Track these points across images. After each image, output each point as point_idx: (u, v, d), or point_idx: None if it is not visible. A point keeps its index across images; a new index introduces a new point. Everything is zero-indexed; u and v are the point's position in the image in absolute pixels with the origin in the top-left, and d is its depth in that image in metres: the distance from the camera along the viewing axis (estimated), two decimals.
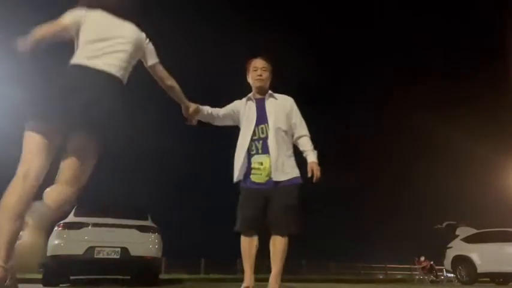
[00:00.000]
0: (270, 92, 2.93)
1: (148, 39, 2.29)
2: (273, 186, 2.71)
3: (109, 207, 6.58)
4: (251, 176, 2.76)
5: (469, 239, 10.36)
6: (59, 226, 5.64)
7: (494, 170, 22.92)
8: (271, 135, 2.76)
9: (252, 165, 2.77)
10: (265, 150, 2.75)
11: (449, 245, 10.81)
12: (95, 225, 5.68)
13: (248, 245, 2.77)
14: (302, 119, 2.94)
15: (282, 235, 2.70)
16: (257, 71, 2.90)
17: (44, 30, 2.05)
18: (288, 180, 2.73)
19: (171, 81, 2.44)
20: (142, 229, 5.87)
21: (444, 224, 11.37)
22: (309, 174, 2.77)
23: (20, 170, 1.79)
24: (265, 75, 2.91)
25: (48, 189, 1.81)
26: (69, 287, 6.22)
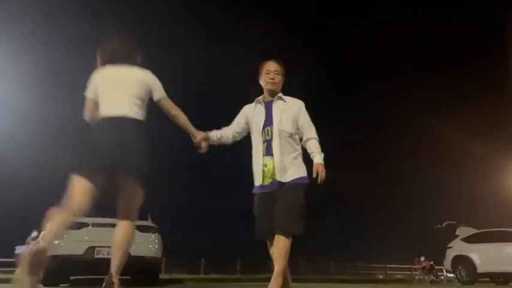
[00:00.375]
0: (279, 94, 2.91)
1: (154, 76, 2.68)
2: (278, 187, 2.71)
3: (109, 207, 6.58)
4: (263, 179, 2.78)
5: (469, 239, 10.36)
6: None
7: (494, 170, 22.93)
8: (275, 137, 2.77)
9: (263, 168, 2.79)
10: (269, 152, 2.77)
11: (449, 245, 10.81)
12: (95, 225, 5.68)
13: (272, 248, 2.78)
14: (310, 122, 2.93)
15: (285, 235, 2.67)
16: (270, 74, 2.88)
17: (88, 113, 2.64)
18: (293, 180, 2.73)
19: (175, 111, 2.71)
20: (142, 229, 5.86)
21: (444, 224, 11.37)
22: (314, 175, 2.76)
23: (66, 203, 2.36)
24: (278, 78, 2.90)
25: (116, 231, 2.75)
26: (69, 287, 6.23)
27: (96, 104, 2.60)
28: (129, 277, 6.97)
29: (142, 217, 6.25)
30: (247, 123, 2.97)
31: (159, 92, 2.68)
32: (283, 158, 2.74)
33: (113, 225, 5.74)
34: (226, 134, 2.99)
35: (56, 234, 2.33)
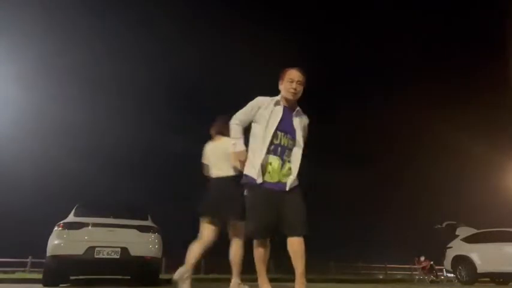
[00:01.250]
0: (299, 108, 2.99)
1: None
2: (284, 190, 2.75)
3: (109, 207, 6.58)
4: (266, 176, 2.77)
5: (469, 239, 10.35)
6: (59, 226, 5.63)
7: (495, 170, 22.92)
8: (297, 147, 2.91)
9: (267, 165, 2.79)
10: (281, 154, 2.83)
11: (449, 245, 10.81)
12: (95, 225, 5.68)
13: (265, 251, 2.81)
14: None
15: (300, 236, 2.71)
16: (293, 83, 2.90)
17: (205, 173, 3.95)
18: (298, 185, 2.84)
19: None
20: (142, 229, 5.86)
21: (444, 224, 11.36)
22: None
23: (201, 237, 3.69)
24: (299, 89, 2.93)
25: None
26: (69, 287, 6.22)
27: (207, 167, 3.86)
28: (129, 277, 6.98)
29: (142, 217, 6.25)
30: (255, 115, 2.94)
31: None
32: (295, 168, 2.86)
33: (113, 225, 5.79)
34: (242, 130, 3.03)
35: (195, 259, 3.67)
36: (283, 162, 2.82)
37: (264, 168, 2.77)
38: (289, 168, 2.83)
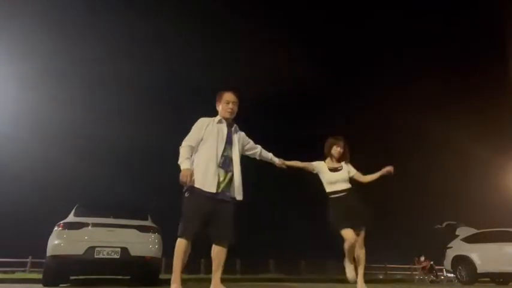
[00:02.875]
0: (235, 125, 3.40)
1: None
2: (224, 199, 3.09)
3: (109, 207, 6.58)
4: (213, 186, 3.09)
5: (469, 239, 10.35)
6: (59, 226, 5.64)
7: (494, 170, 22.92)
8: (235, 160, 3.25)
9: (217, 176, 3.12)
10: (225, 166, 3.17)
11: (449, 245, 10.80)
12: (95, 225, 5.68)
13: (187, 249, 3.05)
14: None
15: (228, 245, 3.10)
16: (229, 104, 3.31)
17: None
18: (235, 198, 3.19)
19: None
20: (142, 229, 5.87)
21: (444, 224, 11.36)
22: (282, 166, 3.84)
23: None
24: (235, 109, 3.34)
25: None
26: (69, 287, 6.23)
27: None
28: (129, 277, 6.98)
29: (142, 217, 6.25)
30: (204, 133, 3.24)
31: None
32: (238, 178, 3.21)
33: (113, 225, 5.79)
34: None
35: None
36: (228, 174, 3.17)
37: (214, 179, 3.07)
38: (231, 179, 3.17)
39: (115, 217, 6.00)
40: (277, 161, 3.74)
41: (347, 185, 4.06)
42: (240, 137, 3.42)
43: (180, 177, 3.04)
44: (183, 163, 3.10)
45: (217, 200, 3.07)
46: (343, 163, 4.12)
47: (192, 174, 3.05)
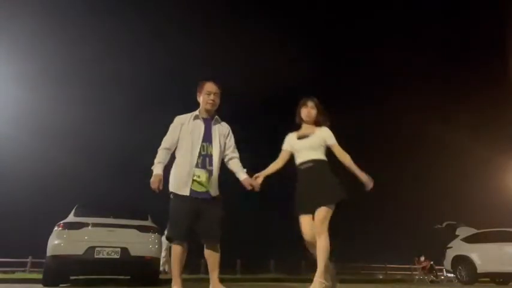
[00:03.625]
0: (217, 117, 3.21)
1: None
2: (207, 198, 3.02)
3: (109, 207, 6.58)
4: (192, 186, 3.01)
5: (469, 239, 10.35)
6: (59, 226, 5.64)
7: (494, 170, 22.91)
8: (215, 156, 3.09)
9: (193, 177, 3.02)
10: (204, 165, 3.04)
11: (449, 245, 10.80)
12: (95, 225, 5.68)
13: (183, 252, 3.02)
14: (235, 144, 3.31)
15: (217, 243, 3.06)
16: (210, 95, 3.14)
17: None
18: (218, 195, 3.12)
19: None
20: (142, 229, 5.86)
21: (444, 224, 11.36)
22: (249, 188, 3.13)
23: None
24: (217, 100, 3.19)
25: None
26: (69, 287, 6.22)
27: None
28: (129, 277, 6.98)
29: (142, 217, 6.25)
30: (179, 133, 3.15)
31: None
32: (215, 175, 3.10)
33: (113, 225, 5.79)
34: (168, 155, 3.18)
35: None
36: (209, 172, 3.04)
37: (191, 180, 3.00)
38: (214, 177, 3.07)
39: (115, 217, 6.00)
40: (243, 177, 3.16)
41: (315, 155, 3.09)
42: (222, 130, 3.22)
43: (150, 183, 2.99)
44: (155, 168, 3.05)
45: (200, 200, 2.98)
46: (318, 129, 3.20)
47: (160, 180, 2.99)
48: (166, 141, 3.14)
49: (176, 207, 3.01)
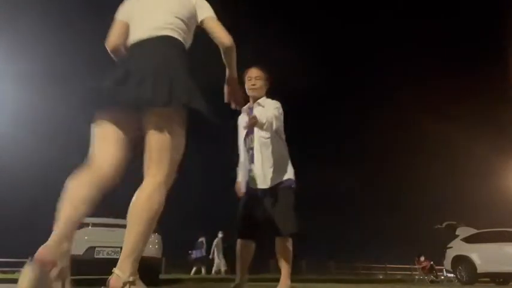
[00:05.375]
0: (259, 100, 2.93)
1: None
2: (263, 194, 2.84)
3: (109, 207, 6.58)
4: (249, 183, 2.93)
5: (469, 239, 10.34)
6: None
7: (494, 170, 22.92)
8: (256, 144, 2.87)
9: (249, 174, 2.92)
10: (253, 160, 2.89)
11: (449, 245, 10.80)
12: (95, 225, 5.67)
13: (244, 249, 2.86)
14: (276, 116, 2.77)
15: (282, 236, 2.77)
16: (251, 80, 2.92)
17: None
18: (276, 184, 2.82)
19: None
20: None
21: (444, 224, 11.35)
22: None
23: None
24: (259, 84, 2.93)
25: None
26: None
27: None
28: None
29: None
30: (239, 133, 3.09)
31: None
32: (263, 166, 2.83)
33: (113, 225, 5.78)
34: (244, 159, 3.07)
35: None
36: (259, 165, 2.84)
37: (244, 179, 2.95)
38: (266, 173, 2.83)
39: (115, 217, 5.99)
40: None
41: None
42: (263, 112, 2.79)
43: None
44: (238, 176, 3.09)
45: (261, 196, 2.84)
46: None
47: (239, 187, 3.03)
48: (239, 148, 3.09)
49: (240, 206, 2.96)
